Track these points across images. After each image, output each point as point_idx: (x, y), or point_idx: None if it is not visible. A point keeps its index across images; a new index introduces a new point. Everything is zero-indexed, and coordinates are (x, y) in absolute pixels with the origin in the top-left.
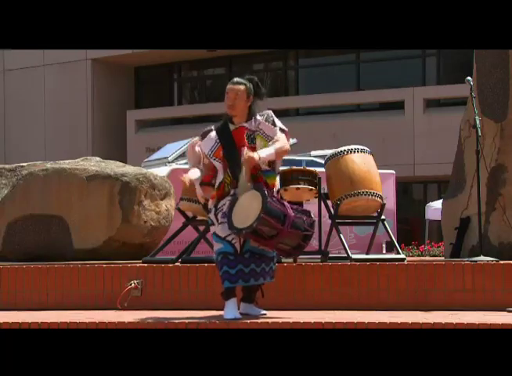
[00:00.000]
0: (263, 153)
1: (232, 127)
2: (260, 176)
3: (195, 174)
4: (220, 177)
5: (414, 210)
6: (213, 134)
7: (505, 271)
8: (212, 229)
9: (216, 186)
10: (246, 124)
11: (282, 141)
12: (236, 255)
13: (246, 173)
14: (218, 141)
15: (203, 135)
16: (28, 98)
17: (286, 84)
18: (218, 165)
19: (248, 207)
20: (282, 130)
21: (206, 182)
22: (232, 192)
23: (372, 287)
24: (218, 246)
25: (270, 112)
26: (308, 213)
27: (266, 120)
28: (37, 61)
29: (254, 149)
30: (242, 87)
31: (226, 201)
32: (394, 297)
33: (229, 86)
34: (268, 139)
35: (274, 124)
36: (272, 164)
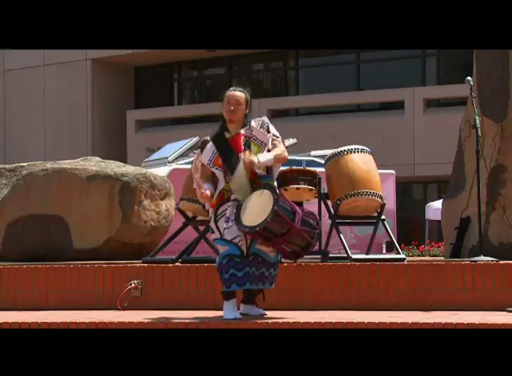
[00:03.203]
0: (262, 158)
1: (228, 135)
2: (258, 182)
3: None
4: (221, 185)
5: (414, 210)
6: (210, 144)
7: (505, 271)
8: (212, 236)
9: (216, 195)
10: (241, 131)
11: (280, 148)
12: (243, 258)
13: (245, 175)
14: (215, 151)
15: (202, 148)
16: (28, 98)
17: (286, 85)
18: (219, 174)
19: (258, 206)
20: (275, 136)
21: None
22: (232, 197)
23: (372, 287)
24: (223, 249)
25: (265, 119)
26: (312, 213)
27: (261, 126)
28: (37, 61)
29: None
30: (243, 95)
31: (226, 207)
32: (394, 297)
33: (231, 93)
34: (262, 145)
35: (268, 130)
36: (269, 169)
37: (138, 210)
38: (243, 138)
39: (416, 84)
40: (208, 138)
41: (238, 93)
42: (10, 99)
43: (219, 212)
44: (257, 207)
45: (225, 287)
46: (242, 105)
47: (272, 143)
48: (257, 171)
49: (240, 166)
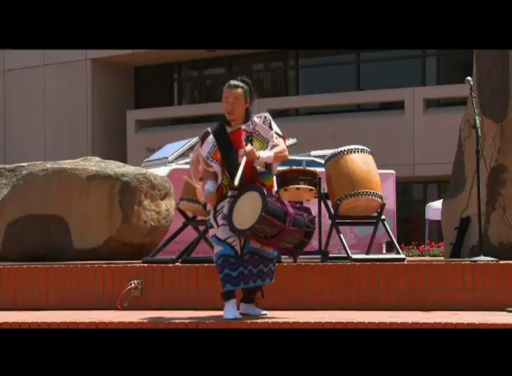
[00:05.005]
0: (263, 154)
1: (229, 129)
2: (257, 178)
3: (212, 187)
4: (218, 179)
5: (414, 210)
6: (210, 137)
7: (505, 271)
8: (211, 231)
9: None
10: (243, 126)
11: (281, 146)
12: (237, 258)
13: (243, 165)
14: (215, 144)
15: (202, 139)
16: (28, 98)
17: (286, 85)
18: (217, 168)
19: (248, 208)
20: (278, 135)
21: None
22: (230, 193)
23: (372, 287)
24: (217, 248)
25: (268, 115)
26: (307, 210)
27: (263, 122)
28: (37, 61)
29: None
30: (240, 90)
31: (225, 203)
32: (394, 297)
33: (227, 90)
34: (264, 142)
35: (271, 127)
36: (268, 166)
37: (138, 210)
38: (244, 133)
39: (416, 84)
40: (209, 129)
41: (235, 90)
42: (10, 99)
43: (218, 208)
44: (247, 210)
45: (222, 287)
46: (240, 101)
47: (274, 142)
48: (257, 167)
49: (241, 165)
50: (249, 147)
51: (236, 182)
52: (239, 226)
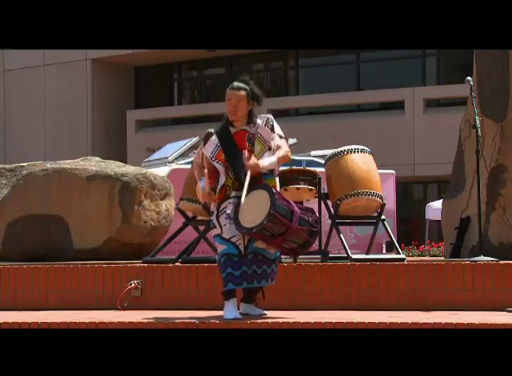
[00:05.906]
0: (266, 162)
1: (232, 130)
2: (260, 179)
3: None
4: (222, 180)
5: (414, 210)
6: (213, 137)
7: (505, 271)
8: (214, 231)
9: (218, 189)
10: (246, 127)
11: (284, 149)
12: (241, 257)
13: (247, 180)
14: (218, 144)
15: (205, 140)
16: (28, 98)
17: (286, 84)
18: (220, 168)
19: (256, 206)
20: (280, 136)
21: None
22: (233, 194)
23: (372, 287)
24: (221, 247)
25: (270, 116)
26: (311, 210)
27: (266, 123)
28: (37, 61)
29: (252, 152)
30: (243, 92)
31: (228, 203)
32: (394, 297)
33: (230, 92)
34: (266, 144)
35: (273, 128)
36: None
37: (138, 210)
38: (247, 135)
39: (416, 84)
40: (212, 130)
41: (238, 92)
42: (10, 99)
43: (221, 208)
44: (255, 208)
45: (223, 286)
46: (243, 102)
47: (276, 144)
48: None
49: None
50: (252, 161)
51: (243, 199)
52: (246, 224)
